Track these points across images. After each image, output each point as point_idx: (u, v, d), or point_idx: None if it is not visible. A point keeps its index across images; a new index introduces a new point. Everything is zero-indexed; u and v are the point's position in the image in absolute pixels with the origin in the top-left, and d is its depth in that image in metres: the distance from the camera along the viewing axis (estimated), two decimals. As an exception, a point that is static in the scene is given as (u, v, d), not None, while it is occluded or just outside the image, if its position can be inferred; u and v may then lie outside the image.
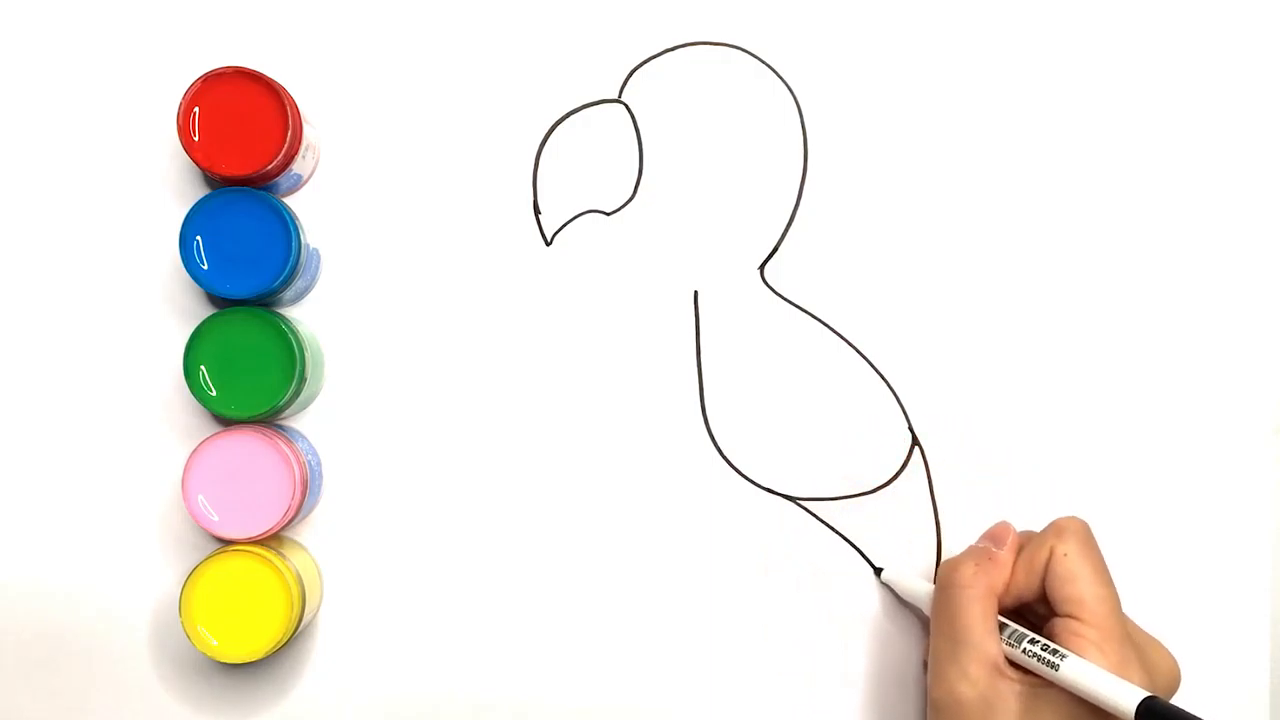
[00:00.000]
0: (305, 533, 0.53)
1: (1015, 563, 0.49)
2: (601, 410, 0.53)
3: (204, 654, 0.49)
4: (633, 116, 0.54)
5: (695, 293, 0.54)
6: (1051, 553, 0.48)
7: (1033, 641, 0.47)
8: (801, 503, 0.53)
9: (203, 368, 0.49)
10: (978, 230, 0.54)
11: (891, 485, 0.54)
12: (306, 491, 0.50)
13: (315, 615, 0.52)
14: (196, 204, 0.49)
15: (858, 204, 0.54)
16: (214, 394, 0.49)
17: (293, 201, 0.53)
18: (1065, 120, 0.55)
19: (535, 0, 0.54)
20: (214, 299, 0.52)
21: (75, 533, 0.52)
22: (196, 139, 0.49)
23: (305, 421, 0.53)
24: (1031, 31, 0.55)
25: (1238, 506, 0.54)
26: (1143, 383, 0.54)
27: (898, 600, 0.53)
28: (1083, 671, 0.45)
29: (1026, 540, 0.50)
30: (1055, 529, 0.49)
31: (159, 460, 0.52)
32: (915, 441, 0.54)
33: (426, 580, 0.53)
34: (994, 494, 0.54)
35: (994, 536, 0.50)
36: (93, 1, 0.53)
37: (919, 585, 0.52)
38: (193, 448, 0.49)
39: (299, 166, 0.51)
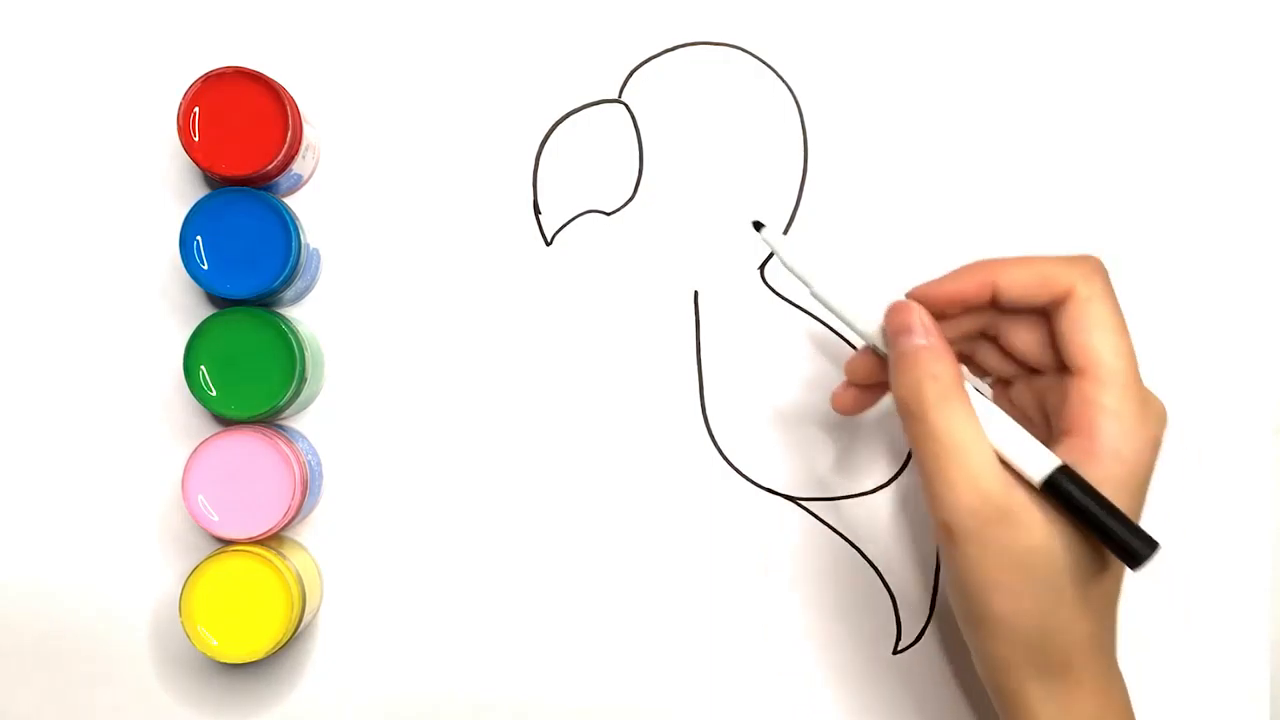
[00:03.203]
0: (305, 533, 0.53)
1: (1013, 271, 0.44)
2: (601, 410, 0.53)
3: (204, 654, 0.49)
4: (633, 116, 0.54)
5: (695, 293, 0.54)
6: (1072, 293, 0.43)
7: None
8: (801, 503, 0.53)
9: (203, 368, 0.49)
10: (977, 230, 0.54)
11: (891, 485, 0.54)
12: (306, 491, 0.50)
13: (315, 615, 0.52)
14: (196, 204, 0.49)
15: (857, 204, 0.54)
16: (214, 394, 0.49)
17: (293, 201, 0.53)
18: (1065, 120, 0.55)
19: (535, 0, 0.54)
20: (214, 299, 0.52)
21: (76, 533, 0.52)
22: (196, 139, 0.49)
23: (305, 421, 0.53)
24: (1031, 31, 0.55)
25: (1238, 506, 0.54)
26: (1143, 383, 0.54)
27: (899, 600, 0.53)
28: (997, 431, 0.42)
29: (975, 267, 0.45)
30: (1082, 265, 0.43)
31: (159, 460, 0.52)
32: (915, 441, 0.54)
33: (426, 580, 0.53)
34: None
35: (907, 328, 0.44)
36: (93, 2, 0.53)
37: (860, 322, 0.45)
38: (193, 448, 0.49)
39: (299, 166, 0.51)
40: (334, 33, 0.54)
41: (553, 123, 0.54)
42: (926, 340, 0.43)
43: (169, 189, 0.53)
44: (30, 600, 0.52)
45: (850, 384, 0.49)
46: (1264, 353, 0.55)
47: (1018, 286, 0.44)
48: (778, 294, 0.54)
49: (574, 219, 0.54)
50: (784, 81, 0.54)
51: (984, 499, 0.42)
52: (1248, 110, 0.55)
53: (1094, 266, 0.44)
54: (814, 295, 0.46)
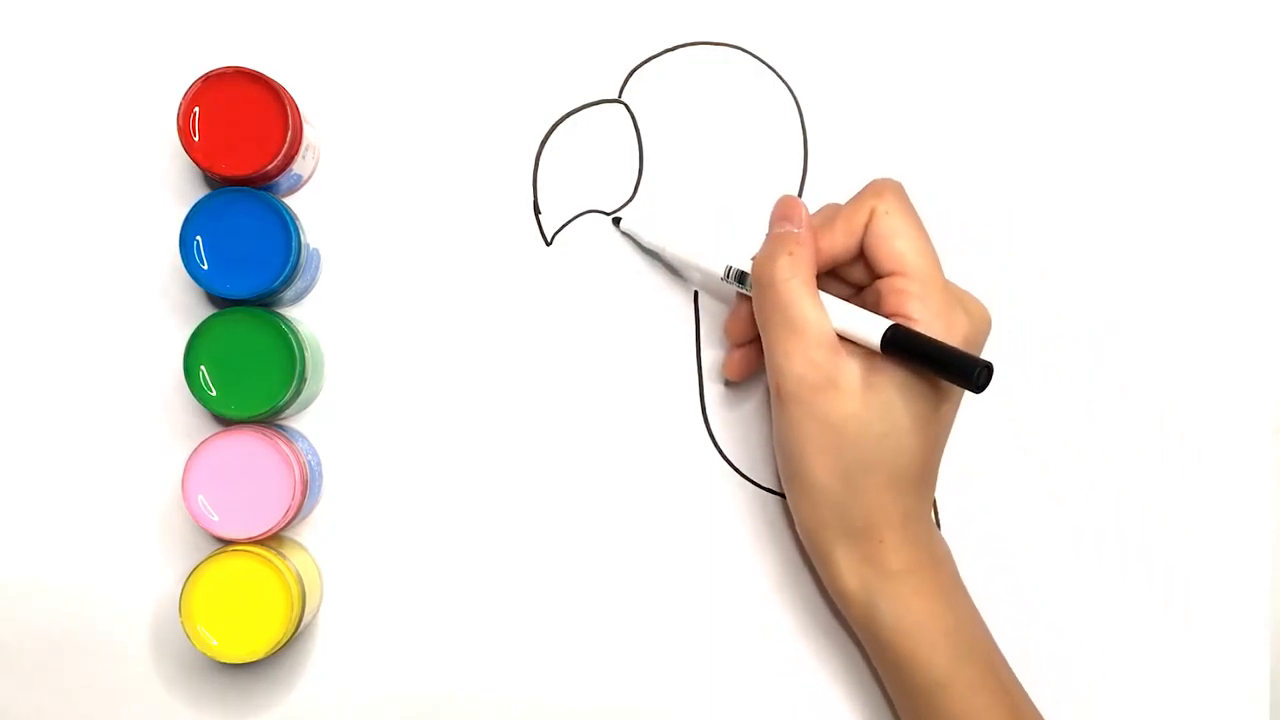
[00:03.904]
0: (305, 533, 0.53)
1: (835, 226, 0.48)
2: (602, 410, 0.53)
3: (204, 654, 0.49)
4: (633, 116, 0.54)
5: (695, 293, 0.54)
6: (872, 212, 0.48)
7: None
8: (801, 503, 0.53)
9: (203, 368, 0.49)
10: (977, 230, 0.54)
11: (891, 485, 0.54)
12: (306, 491, 0.50)
13: (315, 615, 0.52)
14: (196, 204, 0.49)
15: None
16: (214, 394, 0.49)
17: (293, 201, 0.53)
18: (1065, 120, 0.55)
19: (535, 0, 0.54)
20: (214, 299, 0.52)
21: (76, 533, 0.52)
22: (196, 139, 0.49)
23: (305, 421, 0.53)
24: (1031, 31, 0.55)
25: (1238, 506, 0.54)
26: (1143, 383, 0.54)
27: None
28: (835, 311, 0.47)
29: (834, 212, 0.49)
30: (873, 189, 0.48)
31: (159, 460, 0.52)
32: (915, 441, 0.54)
33: (426, 580, 0.53)
34: (994, 494, 0.54)
35: (784, 216, 0.49)
36: (93, 2, 0.53)
37: (659, 239, 0.52)
38: (193, 448, 0.49)
39: (299, 166, 0.51)
40: (334, 33, 0.53)
41: (553, 123, 0.54)
42: (797, 229, 0.48)
43: (169, 189, 0.53)
44: (30, 600, 0.52)
45: (735, 347, 0.52)
46: (1264, 353, 0.55)
47: (839, 244, 0.48)
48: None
49: (574, 219, 0.54)
50: (784, 81, 0.54)
51: (814, 367, 0.47)
52: (1248, 110, 0.55)
53: (885, 186, 0.48)
54: (669, 257, 0.52)
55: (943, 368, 0.45)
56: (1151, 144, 0.55)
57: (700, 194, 0.54)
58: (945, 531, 0.54)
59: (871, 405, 0.46)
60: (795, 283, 0.47)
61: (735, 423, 0.54)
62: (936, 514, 0.54)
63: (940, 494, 0.53)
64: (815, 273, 0.48)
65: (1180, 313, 0.54)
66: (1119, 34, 0.55)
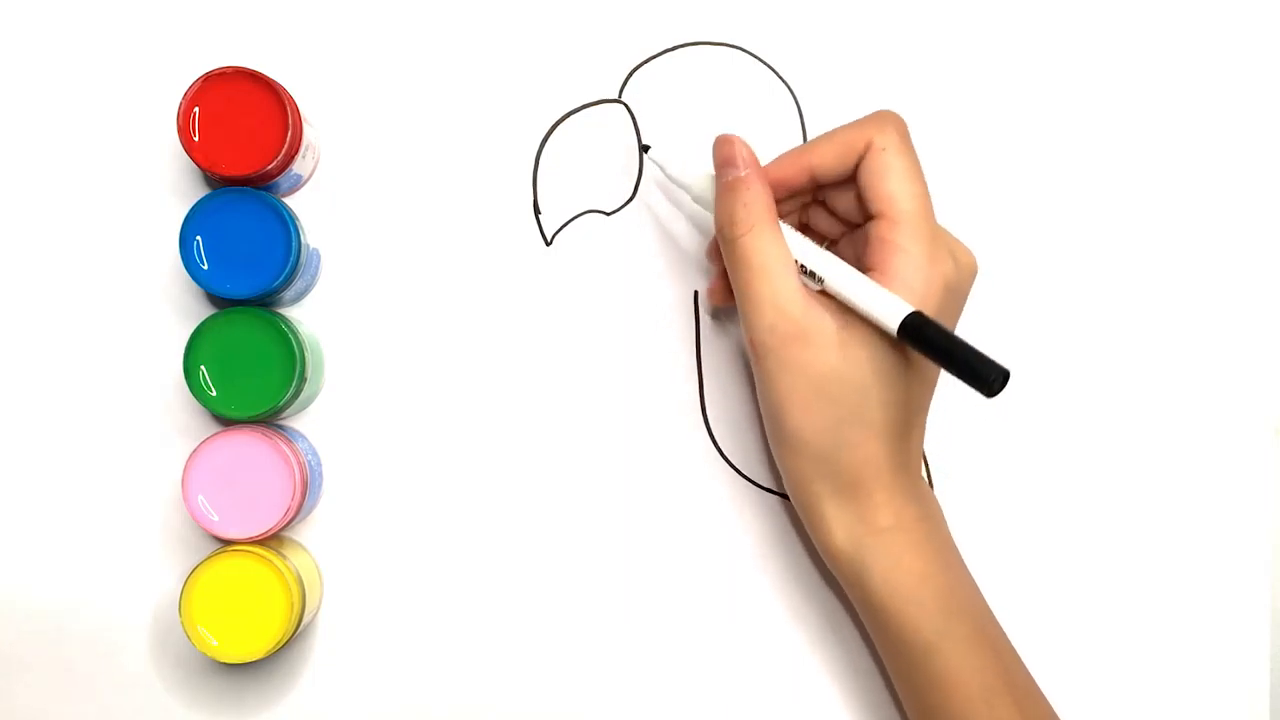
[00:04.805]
0: (305, 533, 0.53)
1: (828, 142, 0.47)
2: (602, 410, 0.53)
3: (204, 654, 0.49)
4: (633, 116, 0.54)
5: (695, 293, 0.54)
6: (870, 145, 0.46)
7: (802, 269, 0.46)
8: (801, 503, 0.53)
9: (203, 368, 0.49)
10: (977, 230, 0.54)
11: (891, 485, 0.54)
12: (306, 491, 0.50)
13: (315, 615, 0.52)
14: (196, 204, 0.49)
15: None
16: (214, 394, 0.49)
17: (293, 201, 0.53)
18: (1065, 120, 0.55)
19: (535, 0, 0.54)
20: (214, 299, 0.52)
21: (76, 532, 0.52)
22: (196, 139, 0.49)
23: (305, 421, 0.53)
24: (1031, 31, 0.55)
25: (1238, 506, 0.54)
26: (1143, 383, 0.54)
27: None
28: (846, 284, 0.45)
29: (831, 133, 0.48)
30: (876, 119, 0.47)
31: (159, 460, 0.52)
32: (915, 441, 0.54)
33: (426, 580, 0.53)
34: (994, 493, 0.54)
35: (727, 160, 0.47)
36: (93, 2, 0.53)
37: (681, 172, 0.50)
38: (193, 448, 0.49)
39: (299, 166, 0.51)
40: (334, 33, 0.53)
41: (553, 123, 0.54)
42: (744, 171, 0.47)
43: (169, 189, 0.53)
44: (30, 600, 0.52)
45: (719, 275, 0.52)
46: (1264, 353, 0.55)
47: (828, 160, 0.47)
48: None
49: (574, 219, 0.54)
50: (784, 81, 0.54)
51: (783, 317, 0.46)
52: (1248, 110, 0.55)
53: (888, 120, 0.47)
54: (672, 179, 0.51)
55: (958, 368, 0.43)
56: (1152, 144, 0.55)
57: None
58: (945, 531, 0.54)
59: (849, 357, 0.45)
60: (755, 233, 0.46)
61: (735, 423, 0.54)
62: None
63: (940, 494, 0.53)
64: (774, 211, 0.47)
65: (1180, 312, 0.55)
66: (1120, 34, 0.55)
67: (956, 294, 0.47)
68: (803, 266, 0.46)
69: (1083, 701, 0.53)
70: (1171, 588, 0.54)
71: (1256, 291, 0.55)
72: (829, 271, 0.46)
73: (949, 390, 0.54)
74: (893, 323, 0.44)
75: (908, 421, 0.47)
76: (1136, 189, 0.55)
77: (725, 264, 0.48)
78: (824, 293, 0.47)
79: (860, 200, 0.47)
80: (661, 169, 0.51)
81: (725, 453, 0.53)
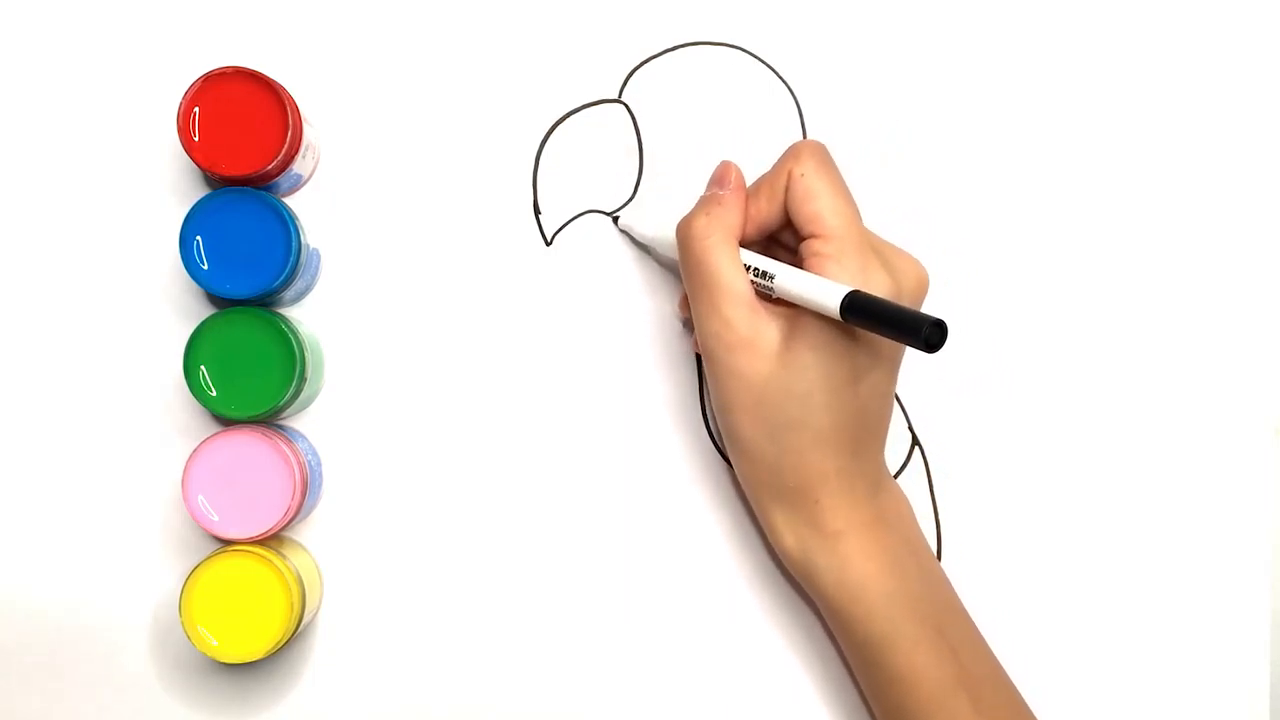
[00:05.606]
0: (305, 533, 0.53)
1: (759, 193, 0.48)
2: (602, 410, 0.53)
3: (204, 654, 0.49)
4: (633, 116, 0.54)
5: (695, 293, 0.54)
6: (789, 176, 0.48)
7: (756, 272, 0.47)
8: (801, 503, 0.53)
9: (203, 368, 0.49)
10: (977, 230, 0.54)
11: (891, 485, 0.54)
12: (306, 491, 0.50)
13: (315, 615, 0.52)
14: (196, 204, 0.49)
15: (856, 203, 0.54)
16: (214, 394, 0.49)
17: (293, 201, 0.53)
18: (1065, 120, 0.55)
19: (535, 0, 0.54)
20: (214, 299, 0.52)
21: (76, 533, 0.52)
22: (196, 139, 0.49)
23: (305, 421, 0.53)
24: (1031, 31, 0.55)
25: (1238, 506, 0.54)
26: (1143, 383, 0.54)
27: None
28: (792, 280, 0.46)
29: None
30: (791, 152, 0.48)
31: (159, 460, 0.52)
32: (915, 441, 0.54)
33: (426, 580, 0.53)
34: (994, 494, 0.54)
35: (717, 179, 0.49)
36: (93, 2, 0.53)
37: (653, 231, 0.52)
38: (193, 448, 0.49)
39: (299, 166, 0.51)
40: (334, 33, 0.53)
41: (553, 123, 0.54)
42: (723, 190, 0.49)
43: (169, 189, 0.53)
44: (30, 600, 0.52)
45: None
46: (1264, 353, 0.55)
47: (764, 208, 0.49)
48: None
49: (574, 219, 0.54)
50: (784, 81, 0.54)
51: (728, 325, 0.47)
52: (1248, 110, 0.55)
53: (802, 149, 0.48)
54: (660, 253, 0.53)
55: (896, 329, 0.43)
56: (1152, 144, 0.55)
57: (700, 194, 0.54)
58: (945, 530, 0.54)
59: (791, 365, 0.46)
60: (710, 241, 0.48)
61: (735, 423, 0.54)
62: (937, 518, 0.54)
63: (940, 493, 0.53)
64: (739, 234, 0.48)
65: (1180, 312, 0.54)
66: (1120, 34, 0.55)
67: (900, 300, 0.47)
68: (755, 269, 0.47)
69: (1082, 701, 0.53)
70: (1171, 587, 0.54)
71: (1256, 292, 0.55)
72: (777, 269, 0.47)
73: (949, 390, 0.54)
74: (835, 303, 0.45)
75: (858, 429, 0.48)
76: (1137, 189, 0.55)
77: (681, 270, 0.49)
78: (778, 301, 0.47)
79: (795, 229, 0.48)
80: (629, 233, 0.53)
81: (726, 453, 0.53)
